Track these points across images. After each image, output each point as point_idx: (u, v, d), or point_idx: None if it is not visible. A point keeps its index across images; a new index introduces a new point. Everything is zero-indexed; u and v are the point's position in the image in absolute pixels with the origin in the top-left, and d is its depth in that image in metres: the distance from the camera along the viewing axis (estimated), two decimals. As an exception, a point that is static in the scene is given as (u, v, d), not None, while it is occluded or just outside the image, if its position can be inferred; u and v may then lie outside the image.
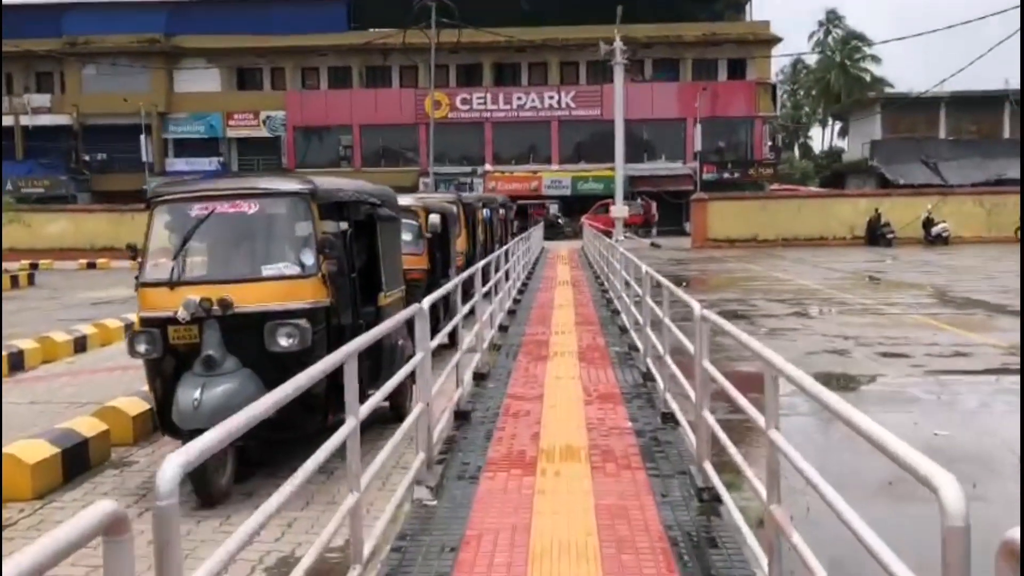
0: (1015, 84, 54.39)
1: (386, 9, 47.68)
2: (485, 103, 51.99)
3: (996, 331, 12.53)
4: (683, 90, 51.32)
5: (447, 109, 51.39)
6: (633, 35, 48.72)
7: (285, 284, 5.68)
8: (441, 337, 6.47)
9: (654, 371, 8.23)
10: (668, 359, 6.89)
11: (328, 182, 6.35)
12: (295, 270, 5.76)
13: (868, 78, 76.02)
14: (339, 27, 51.66)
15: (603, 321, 13.44)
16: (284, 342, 5.55)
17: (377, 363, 6.65)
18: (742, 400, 4.18)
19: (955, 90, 51.20)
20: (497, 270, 12.68)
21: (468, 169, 51.31)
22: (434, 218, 9.86)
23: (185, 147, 52.28)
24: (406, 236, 9.88)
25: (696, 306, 5.31)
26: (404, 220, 9.92)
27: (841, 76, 76.39)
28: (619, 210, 17.16)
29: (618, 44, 19.16)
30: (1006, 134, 53.78)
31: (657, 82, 52.30)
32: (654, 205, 47.78)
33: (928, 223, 36.01)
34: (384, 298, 6.99)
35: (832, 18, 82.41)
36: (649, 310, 8.62)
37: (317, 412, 5.82)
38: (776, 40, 51.87)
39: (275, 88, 53.74)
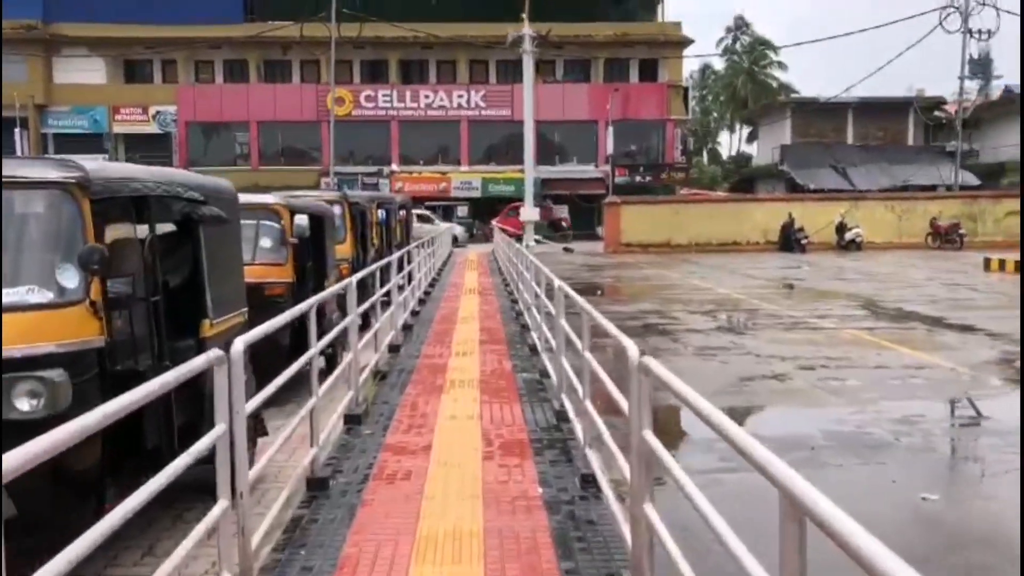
0: (920, 90, 55.36)
1: (284, 1, 45.32)
2: (391, 101, 49.93)
3: (944, 349, 11.35)
4: (594, 91, 50.26)
5: (351, 106, 49.17)
6: (544, 34, 47.51)
7: (29, 317, 3.80)
8: (280, 382, 4.67)
9: (570, 412, 6.61)
10: (590, 407, 5.26)
11: (114, 169, 4.47)
12: (45, 296, 3.89)
13: (775, 84, 76.91)
14: (235, 18, 48.88)
15: (511, 338, 11.80)
16: (24, 405, 3.69)
17: (194, 415, 4.83)
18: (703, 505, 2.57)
19: (862, 96, 51.70)
20: (387, 280, 10.93)
21: (373, 169, 49.20)
22: (300, 220, 8.03)
23: (66, 143, 48.46)
24: (264, 242, 8.05)
25: (632, 351, 3.66)
26: (264, 223, 8.09)
27: (748, 82, 77.10)
28: (529, 213, 15.57)
29: (527, 31, 17.57)
30: (911, 140, 54.56)
31: (568, 83, 51.14)
32: (564, 210, 46.52)
33: (841, 228, 35.62)
34: (209, 327, 5.15)
35: (740, 24, 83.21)
36: (563, 334, 6.99)
37: (84, 497, 3.97)
38: (688, 42, 51.31)
39: (166, 81, 50.61)
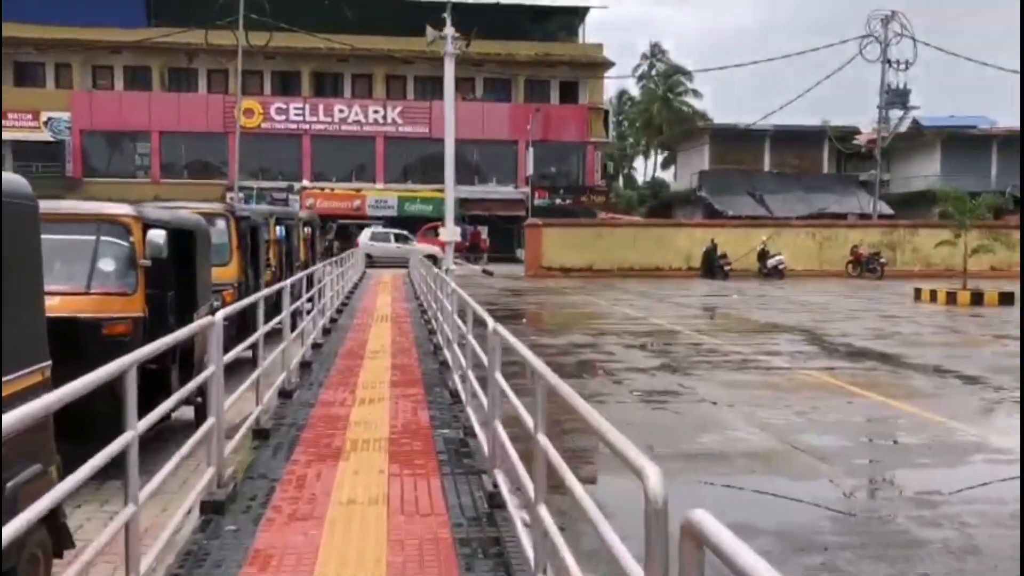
0: (838, 121, 56.00)
1: (190, 6, 42.78)
2: (303, 114, 47.75)
3: (920, 396, 10.11)
4: (515, 111, 49.07)
5: (260, 118, 46.83)
6: (469, 50, 46.10)
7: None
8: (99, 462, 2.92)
9: (507, 498, 4.99)
10: (544, 513, 3.63)
11: None
12: None
13: (689, 112, 77.33)
14: (137, 22, 46.05)
15: (429, 379, 10.12)
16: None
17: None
18: None
19: (778, 124, 51.78)
20: (278, 308, 9.13)
21: (283, 184, 46.87)
22: (155, 236, 6.19)
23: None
24: (104, 264, 6.20)
25: (653, 480, 2.08)
26: (106, 239, 6.25)
27: (664, 109, 77.33)
28: (449, 232, 13.94)
29: (449, 32, 15.94)
30: (825, 169, 54.98)
31: (488, 102, 49.82)
32: (484, 231, 45.11)
33: (763, 255, 35.03)
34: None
35: (656, 52, 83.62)
36: (498, 393, 5.39)
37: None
38: (609, 64, 50.66)
39: (60, 86, 47.33)
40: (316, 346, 12.25)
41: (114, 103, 46.47)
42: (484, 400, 5.99)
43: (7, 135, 45.60)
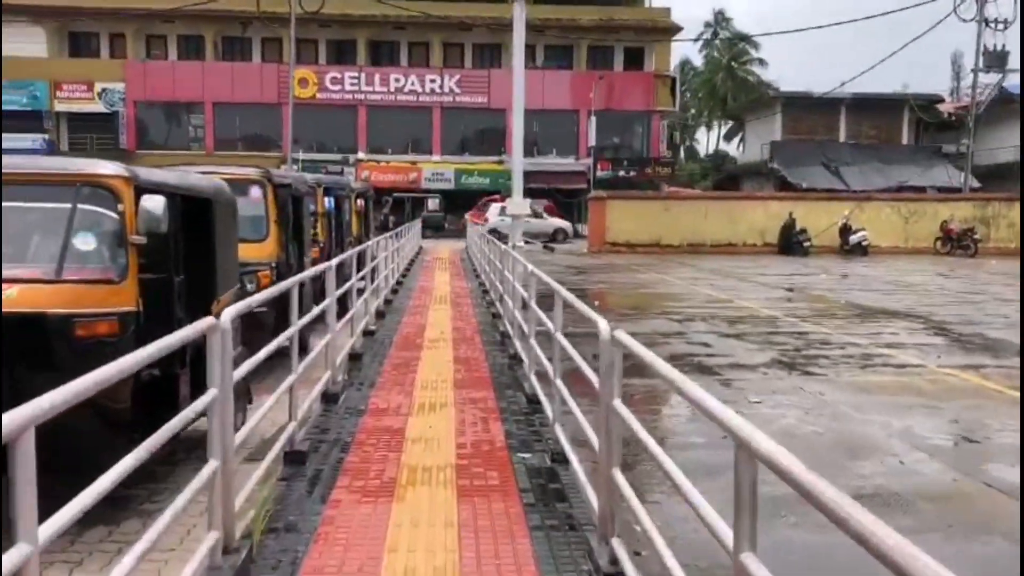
0: (914, 89, 52.78)
1: (245, -29, 41.52)
2: (359, 84, 46.32)
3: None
4: (577, 79, 47.04)
5: (315, 88, 45.55)
6: (528, 15, 44.19)
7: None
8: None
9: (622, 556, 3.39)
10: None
11: None
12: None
13: (754, 80, 74.35)
14: (190, -11, 44.88)
15: (498, 377, 8.53)
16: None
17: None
18: None
19: (856, 92, 48.87)
20: (323, 294, 7.61)
21: (338, 157, 45.62)
22: (150, 203, 4.60)
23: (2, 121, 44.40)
24: (82, 243, 4.67)
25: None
26: (84, 208, 4.73)
27: (728, 79, 74.50)
28: (517, 205, 12.34)
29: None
30: (905, 139, 51.90)
31: (549, 70, 47.81)
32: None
33: (845, 230, 32.70)
34: None
35: (720, 19, 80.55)
36: (618, 423, 3.76)
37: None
38: (677, 29, 48.21)
39: (114, 56, 46.58)
40: (368, 333, 10.74)
41: (167, 73, 45.59)
42: (565, 394, 4.33)
43: (61, 106, 45.07)
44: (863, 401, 8.43)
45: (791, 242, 32.26)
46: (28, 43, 44.57)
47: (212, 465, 3.69)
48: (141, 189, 4.82)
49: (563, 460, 5.62)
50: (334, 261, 7.79)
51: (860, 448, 6.92)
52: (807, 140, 49.91)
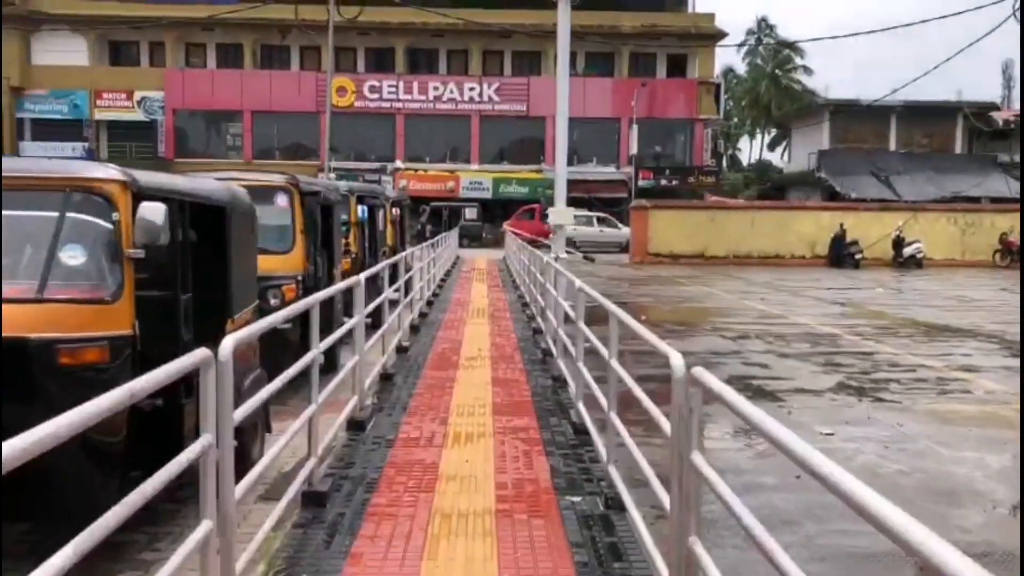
0: (968, 96, 51.15)
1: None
2: (397, 92, 45.92)
3: None
4: (618, 86, 46.21)
5: (353, 97, 45.23)
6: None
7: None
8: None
9: None
10: None
11: None
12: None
13: (799, 89, 72.98)
14: (229, -2, 44.85)
15: (541, 402, 7.76)
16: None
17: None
18: None
19: (907, 99, 47.41)
20: (347, 314, 6.90)
21: (376, 166, 45.20)
22: (149, 213, 3.84)
23: (44, 129, 44.69)
24: (70, 257, 3.99)
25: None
26: (72, 216, 4.06)
27: (772, 86, 73.16)
28: (560, 214, 11.34)
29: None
30: (958, 148, 50.32)
31: (590, 77, 47.02)
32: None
33: (899, 242, 31.48)
34: None
35: (763, 27, 79.31)
36: (694, 485, 2.96)
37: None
38: (721, 35, 47.19)
39: (154, 65, 46.67)
40: (401, 350, 10.03)
41: (206, 81, 45.55)
42: (647, 472, 3.54)
43: (101, 115, 45.21)
44: (948, 434, 7.51)
45: (842, 254, 31.13)
46: (70, 52, 44.84)
47: (205, 527, 2.95)
48: (141, 195, 4.12)
49: (619, 507, 4.85)
50: (363, 275, 7.07)
51: (956, 493, 6.04)
52: (856, 149, 48.59)
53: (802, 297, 19.49)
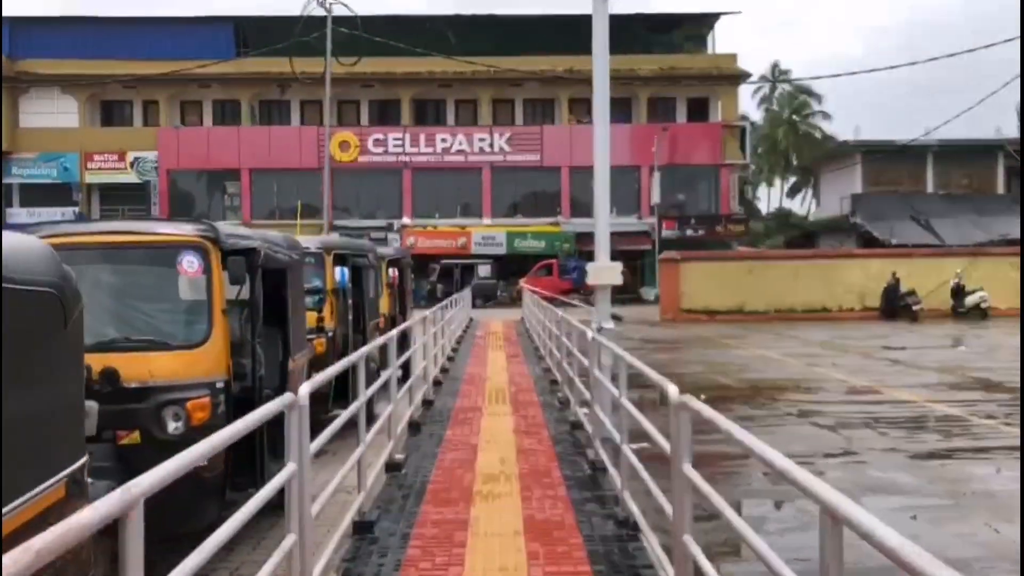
0: (1008, 132, 48.27)
1: (281, 32, 39.18)
2: (403, 145, 43.52)
3: None
4: (637, 133, 43.66)
5: (357, 151, 42.87)
6: (578, 68, 41.21)
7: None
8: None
9: None
10: None
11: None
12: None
13: (818, 135, 70.63)
14: (225, 53, 42.78)
15: (593, 547, 4.75)
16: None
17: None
18: None
19: (943, 139, 44.69)
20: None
21: (382, 223, 42.69)
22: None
23: (32, 194, 42.38)
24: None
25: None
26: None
27: (790, 133, 70.82)
28: (602, 272, 8.88)
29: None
30: (1000, 188, 47.39)
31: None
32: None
33: (959, 291, 28.41)
34: None
35: (776, 72, 77.29)
36: None
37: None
38: (745, 76, 44.76)
39: (148, 124, 44.53)
40: (392, 468, 7.04)
41: (201, 140, 43.28)
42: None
43: (92, 178, 42.94)
44: None
45: (897, 305, 28.06)
46: (59, 113, 42.79)
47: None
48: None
49: None
50: (327, 372, 4.22)
51: None
52: (891, 192, 45.77)
53: (877, 360, 16.43)
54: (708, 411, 3.42)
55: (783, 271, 29.64)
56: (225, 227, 5.50)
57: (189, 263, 5.04)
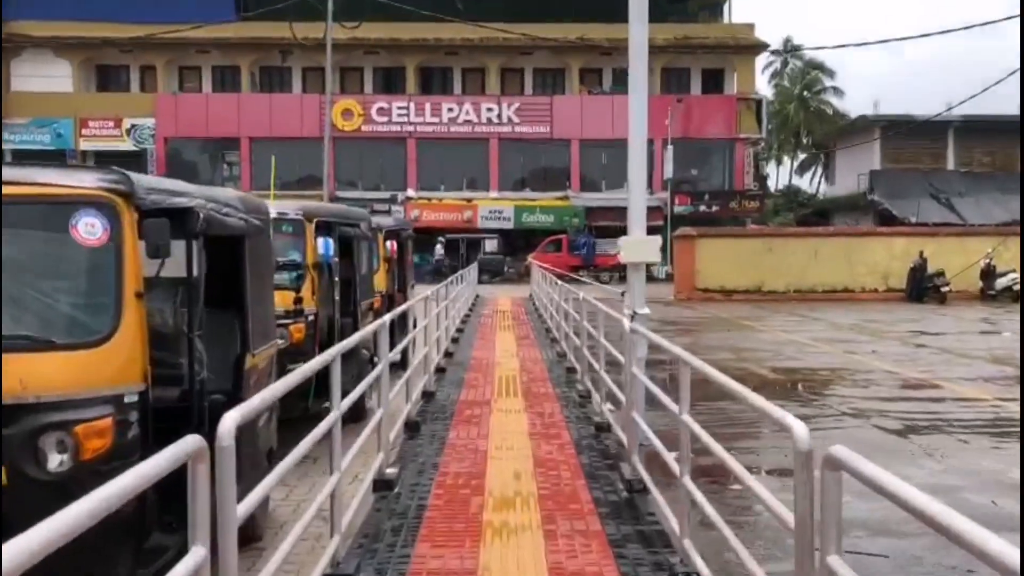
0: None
1: (284, -5, 37.66)
2: (408, 114, 42.05)
3: None
4: (651, 105, 41.94)
5: (360, 120, 41.43)
6: (590, 36, 39.69)
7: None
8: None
9: None
10: None
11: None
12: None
13: (830, 111, 68.92)
14: (225, 17, 41.21)
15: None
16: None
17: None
18: None
19: (965, 115, 43.06)
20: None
21: (386, 195, 41.33)
22: None
23: (24, 161, 40.92)
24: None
25: None
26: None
27: (800, 109, 69.11)
28: (639, 247, 8.00)
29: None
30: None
31: (618, 95, 42.92)
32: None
33: (989, 272, 27.08)
34: None
35: (788, 47, 75.36)
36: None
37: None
38: (763, 46, 43.13)
39: (145, 90, 43.10)
40: (382, 487, 5.78)
41: (200, 107, 41.86)
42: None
43: (87, 144, 41.56)
44: None
45: (924, 287, 26.73)
46: (53, 78, 41.33)
47: None
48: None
49: None
50: (307, 366, 2.99)
51: None
52: (911, 169, 44.27)
53: (918, 347, 15.15)
54: (870, 468, 2.18)
55: (802, 249, 28.30)
56: (146, 179, 4.14)
57: (88, 227, 3.70)
